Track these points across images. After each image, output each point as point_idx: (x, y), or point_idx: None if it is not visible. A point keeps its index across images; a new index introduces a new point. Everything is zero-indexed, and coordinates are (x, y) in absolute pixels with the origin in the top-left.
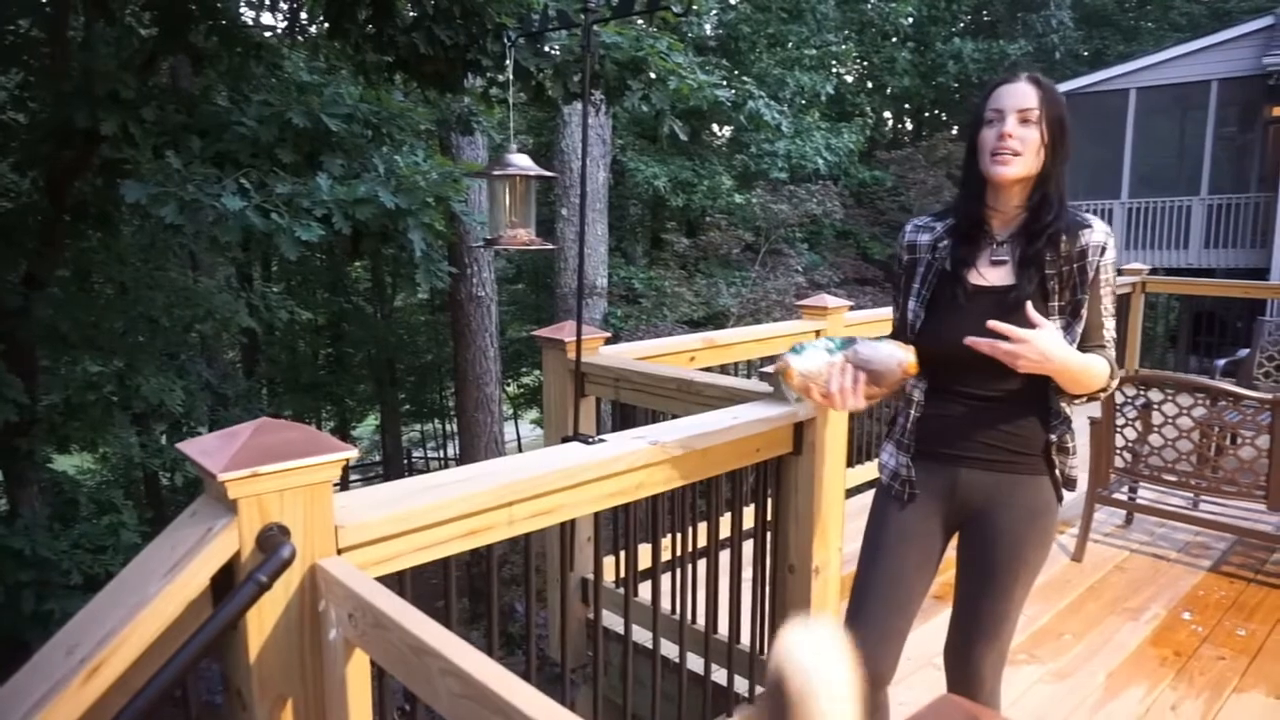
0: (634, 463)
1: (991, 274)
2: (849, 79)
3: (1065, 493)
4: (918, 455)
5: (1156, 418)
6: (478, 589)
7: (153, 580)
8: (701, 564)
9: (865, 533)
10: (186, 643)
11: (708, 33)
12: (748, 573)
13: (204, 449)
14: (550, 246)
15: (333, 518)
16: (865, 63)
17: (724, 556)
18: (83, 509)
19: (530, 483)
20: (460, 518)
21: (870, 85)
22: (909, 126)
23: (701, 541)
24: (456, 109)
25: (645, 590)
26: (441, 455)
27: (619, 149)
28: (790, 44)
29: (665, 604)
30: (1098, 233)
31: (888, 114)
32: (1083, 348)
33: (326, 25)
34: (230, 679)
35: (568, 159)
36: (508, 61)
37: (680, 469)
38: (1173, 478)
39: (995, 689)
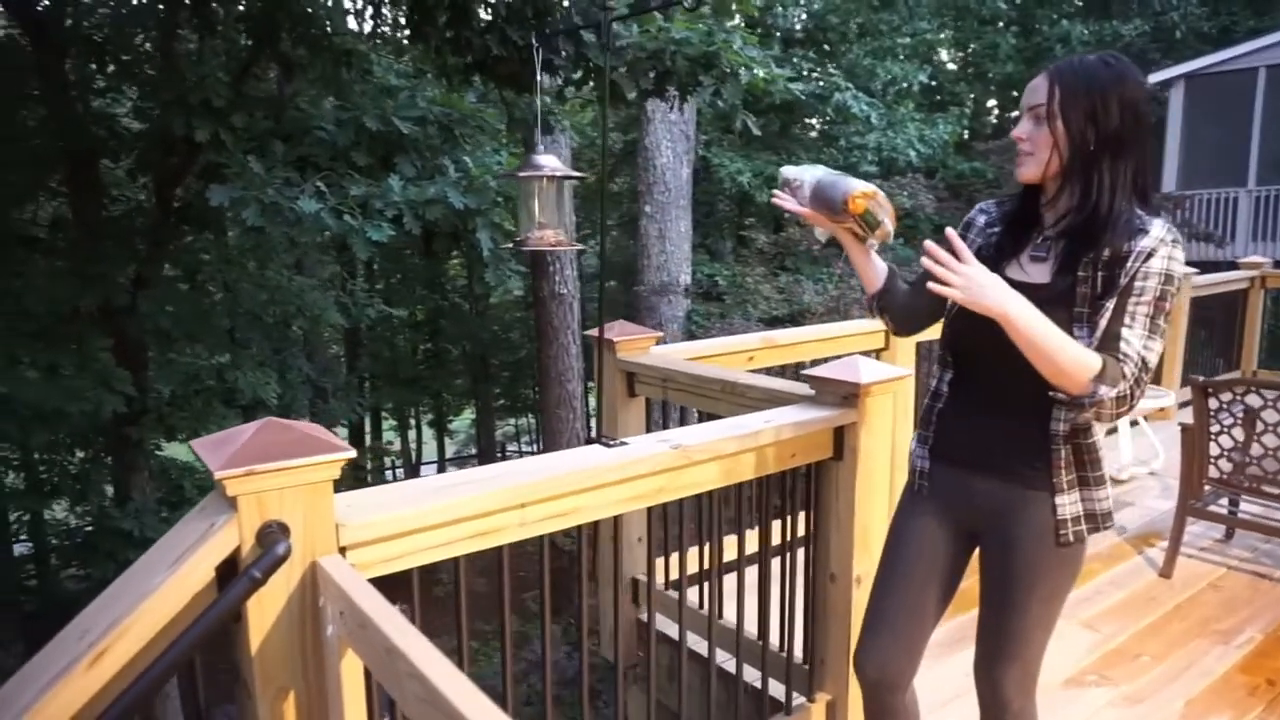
0: (653, 467)
1: (1030, 269)
2: (952, 66)
3: (1103, 527)
4: (935, 454)
5: (1259, 425)
6: (557, 583)
7: (159, 571)
8: (743, 568)
9: (888, 533)
10: (184, 633)
11: (795, 26)
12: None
13: (209, 447)
14: (580, 247)
15: (333, 516)
16: (966, 50)
17: (774, 562)
18: (187, 493)
19: (543, 485)
20: (468, 519)
21: (971, 73)
22: (1014, 115)
23: (740, 547)
24: (548, 106)
25: (691, 594)
26: (534, 449)
27: (703, 144)
28: (882, 33)
29: (711, 607)
30: (1150, 238)
31: (993, 103)
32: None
33: (408, 31)
34: (239, 670)
35: (651, 156)
36: (537, 62)
37: (706, 474)
38: (1275, 490)
39: (1025, 708)
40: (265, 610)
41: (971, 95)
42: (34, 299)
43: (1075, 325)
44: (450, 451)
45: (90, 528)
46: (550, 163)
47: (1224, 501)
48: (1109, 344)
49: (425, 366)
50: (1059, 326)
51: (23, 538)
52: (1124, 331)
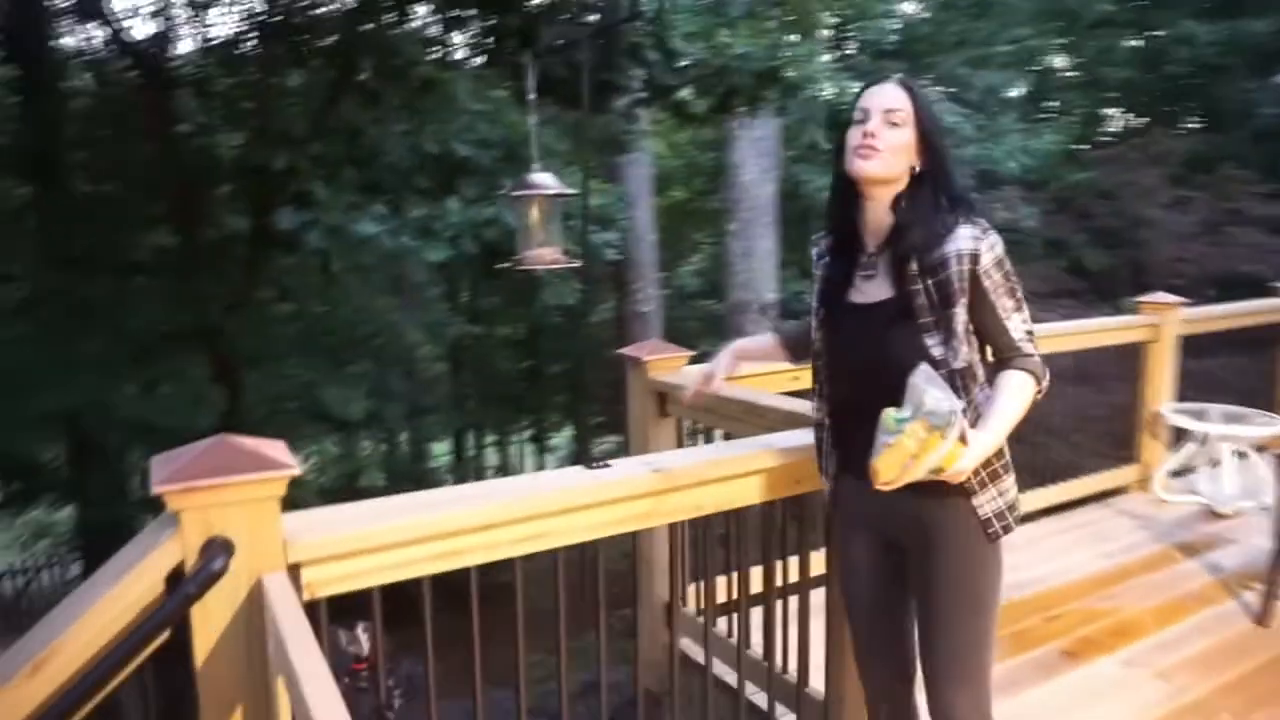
0: (632, 490)
1: (866, 289)
2: (1071, 73)
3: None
4: (844, 474)
5: None
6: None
7: (103, 585)
8: (772, 600)
9: (838, 566)
10: (119, 645)
11: (889, 38)
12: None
13: (159, 463)
14: (576, 264)
15: (280, 533)
16: (1080, 56)
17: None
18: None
19: (510, 507)
20: (430, 539)
21: (1085, 79)
22: (1134, 122)
23: (766, 578)
24: (620, 126)
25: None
26: None
27: (791, 161)
28: (978, 40)
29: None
30: (962, 239)
31: (1114, 110)
32: (998, 361)
33: (485, 57)
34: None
35: (735, 174)
36: (531, 79)
37: (695, 499)
38: None
39: None
40: (210, 624)
41: (1084, 102)
42: (136, 320)
43: (925, 334)
44: (550, 469)
45: None
46: (545, 180)
47: None
48: (1003, 346)
49: (525, 384)
50: (908, 336)
51: None
52: (1007, 327)
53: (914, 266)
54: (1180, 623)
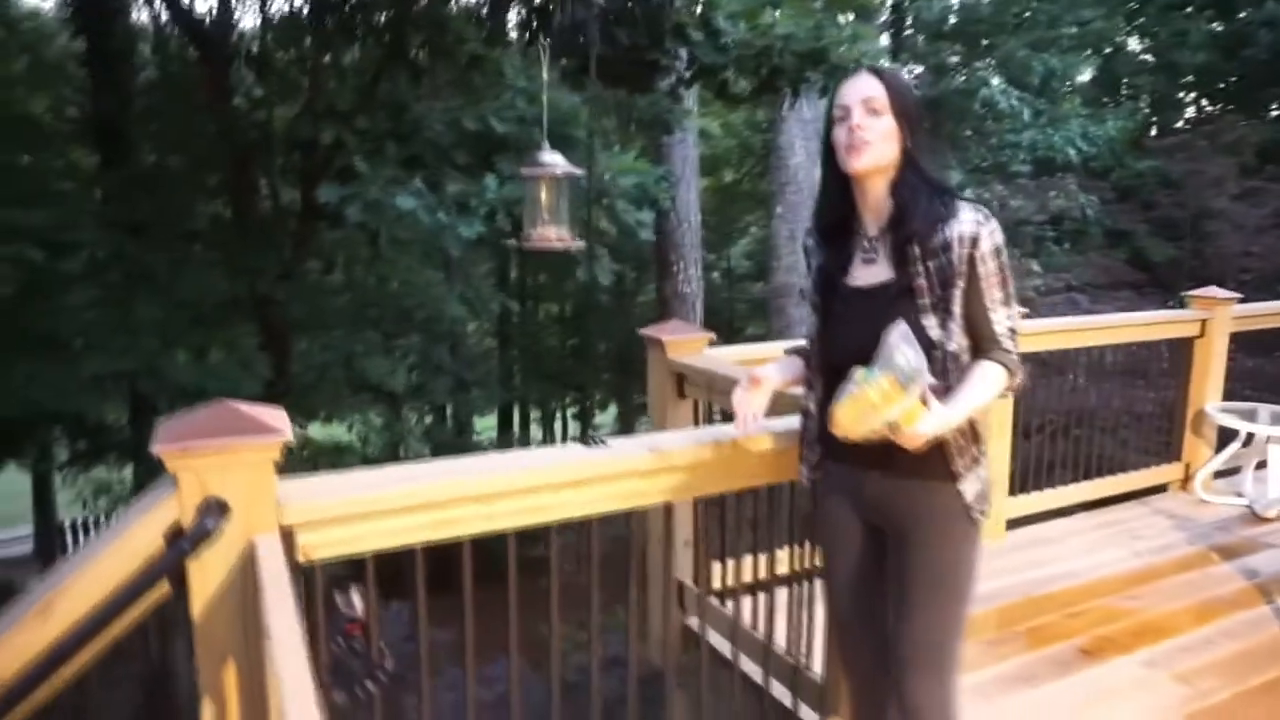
0: (626, 468)
1: (865, 273)
2: (1147, 58)
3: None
4: (829, 457)
5: None
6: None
7: (108, 539)
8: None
9: (820, 548)
10: (119, 594)
11: (949, 18)
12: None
13: (165, 425)
14: (581, 245)
15: (274, 495)
16: (1151, 39)
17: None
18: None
19: (507, 479)
20: (425, 507)
21: (1158, 64)
22: (1210, 110)
23: (771, 562)
24: (665, 105)
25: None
26: None
27: None
28: (1040, 23)
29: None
30: (964, 223)
31: (1190, 95)
32: (977, 350)
33: (528, 34)
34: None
35: (783, 156)
36: (544, 59)
37: (691, 479)
38: None
39: None
40: (207, 581)
41: (1153, 88)
42: (191, 288)
43: (923, 315)
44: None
45: None
46: (554, 160)
47: None
48: (984, 336)
49: (571, 361)
50: (909, 316)
51: None
52: (991, 318)
53: (916, 249)
54: (1207, 626)
